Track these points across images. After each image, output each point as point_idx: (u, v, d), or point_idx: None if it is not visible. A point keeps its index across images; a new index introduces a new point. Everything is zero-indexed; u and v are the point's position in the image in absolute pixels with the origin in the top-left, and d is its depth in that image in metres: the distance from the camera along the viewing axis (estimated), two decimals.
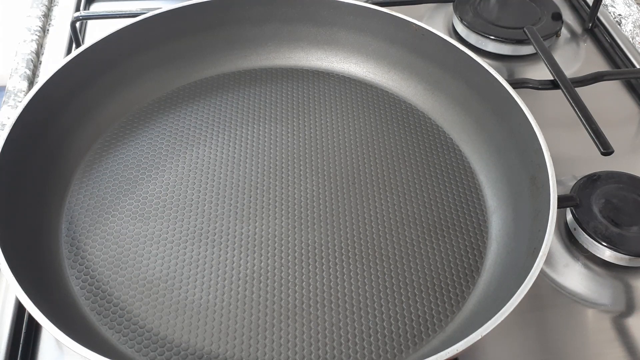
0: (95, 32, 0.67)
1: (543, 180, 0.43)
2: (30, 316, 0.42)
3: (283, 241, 0.46)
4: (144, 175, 0.50)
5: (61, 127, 0.49)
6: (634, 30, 0.71)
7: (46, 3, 0.71)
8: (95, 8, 0.72)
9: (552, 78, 0.56)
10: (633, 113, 0.62)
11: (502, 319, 0.35)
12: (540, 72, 0.63)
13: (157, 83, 0.57)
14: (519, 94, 0.48)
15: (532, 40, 0.61)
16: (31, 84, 0.61)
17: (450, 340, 0.36)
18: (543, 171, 0.44)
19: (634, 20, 0.72)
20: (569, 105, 0.52)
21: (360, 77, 0.60)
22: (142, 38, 0.55)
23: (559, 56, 0.65)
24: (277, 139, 0.54)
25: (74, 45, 0.64)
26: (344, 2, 0.57)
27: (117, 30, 0.53)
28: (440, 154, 0.53)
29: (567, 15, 0.73)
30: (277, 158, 0.52)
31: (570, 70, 0.65)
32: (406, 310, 0.43)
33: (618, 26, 0.71)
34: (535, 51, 0.61)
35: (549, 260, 0.48)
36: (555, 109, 0.58)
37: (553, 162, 0.44)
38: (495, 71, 0.50)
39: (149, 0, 0.68)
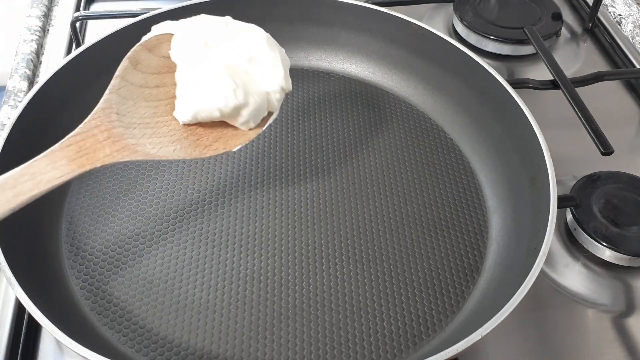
0: (95, 32, 0.67)
1: (543, 180, 0.43)
2: (30, 316, 0.42)
3: (283, 241, 0.46)
4: (144, 175, 0.50)
5: (61, 127, 0.49)
6: (634, 30, 0.71)
7: (46, 3, 0.71)
8: (95, 8, 0.73)
9: (552, 78, 0.56)
10: (633, 113, 0.62)
11: (502, 319, 0.35)
12: (540, 72, 0.63)
13: None
14: (519, 94, 0.48)
15: (532, 40, 0.61)
16: (31, 84, 0.61)
17: (450, 340, 0.36)
18: (543, 171, 0.44)
19: (634, 20, 0.72)
20: (569, 105, 0.52)
21: (360, 77, 0.60)
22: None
23: (559, 56, 0.65)
24: (277, 139, 0.54)
25: (74, 45, 0.64)
26: (344, 2, 0.57)
27: (117, 30, 0.53)
28: (440, 154, 0.53)
29: (567, 15, 0.73)
30: (277, 158, 0.52)
31: (570, 70, 0.65)
32: (406, 310, 0.43)
33: (618, 26, 0.71)
34: (535, 51, 0.61)
35: (549, 260, 0.48)
36: (555, 109, 0.58)
37: (553, 162, 0.44)
38: (495, 71, 0.51)
39: (149, 0, 0.68)
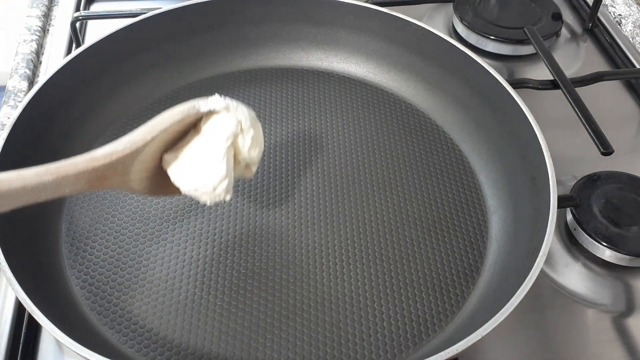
0: (95, 32, 0.67)
1: (543, 180, 0.43)
2: (30, 316, 0.42)
3: (283, 241, 0.46)
4: None
5: (61, 127, 0.49)
6: (634, 30, 0.71)
7: (46, 3, 0.71)
8: (95, 8, 0.73)
9: (552, 78, 0.56)
10: (633, 113, 0.62)
11: (502, 319, 0.35)
12: (540, 72, 0.63)
13: (157, 83, 0.57)
14: (519, 94, 0.48)
15: (532, 40, 0.61)
16: (31, 84, 0.61)
17: (450, 340, 0.36)
18: (543, 171, 0.44)
19: (634, 20, 0.72)
20: (569, 105, 0.52)
21: (360, 77, 0.60)
22: (142, 38, 0.55)
23: (559, 56, 0.65)
24: (277, 139, 0.54)
25: (74, 45, 0.64)
26: (344, 2, 0.57)
27: (117, 30, 0.53)
28: (440, 154, 0.53)
29: (567, 15, 0.73)
30: (277, 158, 0.52)
31: (570, 70, 0.65)
32: (406, 310, 0.43)
33: (618, 26, 0.71)
34: (535, 51, 0.61)
35: (549, 260, 0.48)
36: (555, 109, 0.58)
37: (553, 162, 0.44)
38: (495, 71, 0.50)
39: (149, 0, 0.68)
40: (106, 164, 0.36)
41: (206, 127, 0.40)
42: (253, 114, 0.42)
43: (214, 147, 0.40)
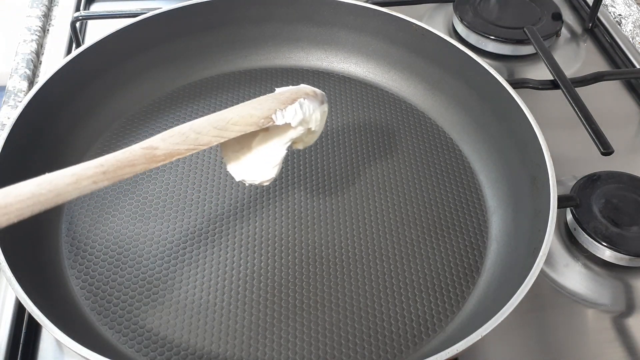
0: (95, 32, 0.67)
1: (543, 180, 0.43)
2: (30, 316, 0.42)
3: (283, 241, 0.46)
4: (144, 175, 0.50)
5: (61, 127, 0.49)
6: (634, 30, 0.71)
7: (46, 3, 0.71)
8: (95, 8, 0.73)
9: (552, 78, 0.56)
10: (633, 113, 0.62)
11: (502, 319, 0.35)
12: (540, 72, 0.63)
13: (157, 83, 0.57)
14: (519, 94, 0.48)
15: (532, 40, 0.61)
16: (31, 84, 0.61)
17: (450, 340, 0.36)
18: (543, 171, 0.44)
19: (634, 20, 0.72)
20: (569, 105, 0.52)
21: (360, 77, 0.60)
22: (142, 38, 0.55)
23: (559, 56, 0.65)
24: None
25: (74, 45, 0.64)
26: (344, 2, 0.57)
27: (117, 30, 0.53)
28: (440, 154, 0.53)
29: (567, 15, 0.74)
30: None
31: (570, 70, 0.65)
32: (406, 310, 0.43)
33: (618, 26, 0.71)
34: (535, 51, 0.61)
35: (549, 260, 0.48)
36: (555, 109, 0.58)
37: (553, 162, 0.44)
38: (495, 71, 0.51)
39: (149, 0, 0.68)
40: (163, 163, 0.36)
41: (274, 128, 0.40)
42: (326, 109, 0.43)
43: (275, 150, 0.40)
